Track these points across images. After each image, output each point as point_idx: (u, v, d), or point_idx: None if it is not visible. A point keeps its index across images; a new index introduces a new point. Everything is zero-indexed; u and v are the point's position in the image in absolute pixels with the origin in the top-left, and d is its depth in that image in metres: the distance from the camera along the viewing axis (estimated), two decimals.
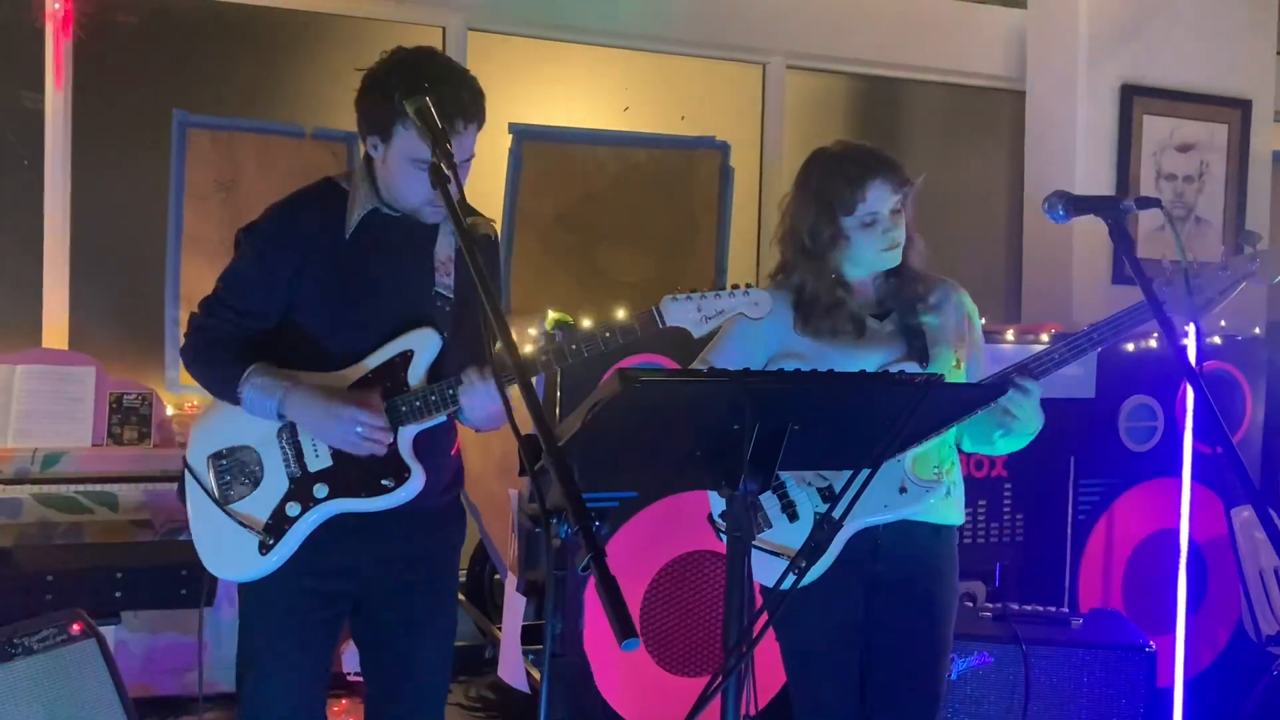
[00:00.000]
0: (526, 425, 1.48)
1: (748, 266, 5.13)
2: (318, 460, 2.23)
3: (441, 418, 2.26)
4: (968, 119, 5.45)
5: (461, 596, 4.68)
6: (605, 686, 3.43)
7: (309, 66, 4.52)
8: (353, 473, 2.22)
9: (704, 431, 1.59)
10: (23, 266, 4.10)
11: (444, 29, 4.63)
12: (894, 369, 2.35)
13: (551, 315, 3.61)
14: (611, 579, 1.25)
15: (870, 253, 2.36)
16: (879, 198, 2.33)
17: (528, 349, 2.30)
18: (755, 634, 1.56)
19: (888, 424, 1.63)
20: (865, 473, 1.64)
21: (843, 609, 2.43)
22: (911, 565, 2.42)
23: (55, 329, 4.12)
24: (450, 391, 2.22)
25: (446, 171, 1.79)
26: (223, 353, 2.25)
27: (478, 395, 2.18)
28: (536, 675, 3.75)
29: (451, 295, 2.32)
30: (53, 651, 2.43)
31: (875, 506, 2.35)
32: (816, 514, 2.38)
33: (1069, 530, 3.92)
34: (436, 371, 2.27)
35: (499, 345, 1.59)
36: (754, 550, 2.39)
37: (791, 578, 1.58)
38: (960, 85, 5.36)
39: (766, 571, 2.42)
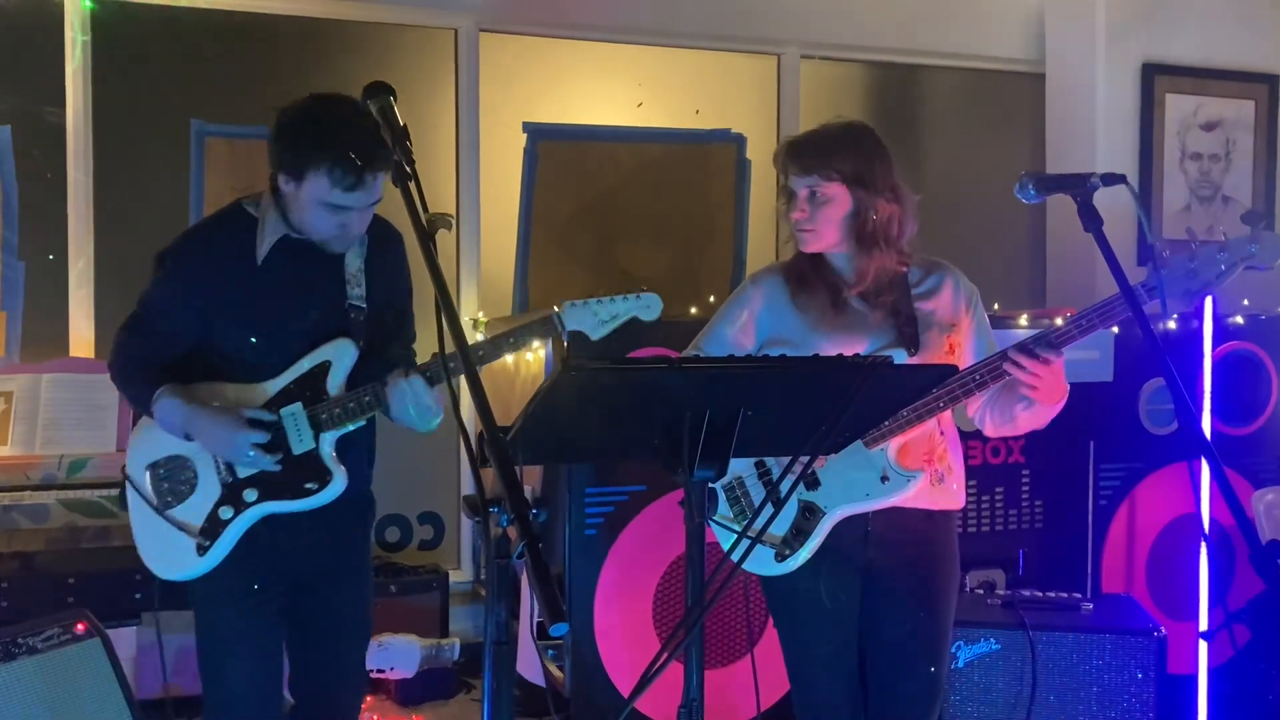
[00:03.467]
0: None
1: (767, 259, 5.10)
2: (246, 468, 2.39)
3: (361, 422, 2.42)
4: (987, 104, 5.38)
5: (482, 592, 4.73)
6: (617, 675, 3.45)
7: (323, 73, 4.57)
8: (279, 478, 2.39)
9: (658, 419, 1.60)
10: (48, 278, 4.19)
11: (456, 31, 4.66)
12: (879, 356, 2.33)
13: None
14: (544, 566, 1.26)
15: (795, 227, 2.44)
16: (792, 179, 2.42)
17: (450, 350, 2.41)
18: (708, 602, 1.56)
19: (847, 406, 1.63)
20: (829, 452, 1.64)
21: (838, 599, 2.42)
22: (904, 552, 2.41)
23: (81, 339, 4.21)
24: (366, 398, 2.38)
25: (408, 169, 1.79)
26: (140, 372, 2.41)
27: (403, 395, 2.32)
28: (553, 670, 3.77)
29: (364, 305, 2.45)
30: (56, 651, 2.49)
31: (856, 494, 2.36)
32: (800, 501, 2.38)
33: (1090, 516, 3.87)
34: (354, 379, 2.43)
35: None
36: (737, 536, 2.40)
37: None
38: (978, 70, 5.30)
39: (752, 558, 2.42)
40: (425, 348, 2.42)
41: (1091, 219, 1.93)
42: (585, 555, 3.44)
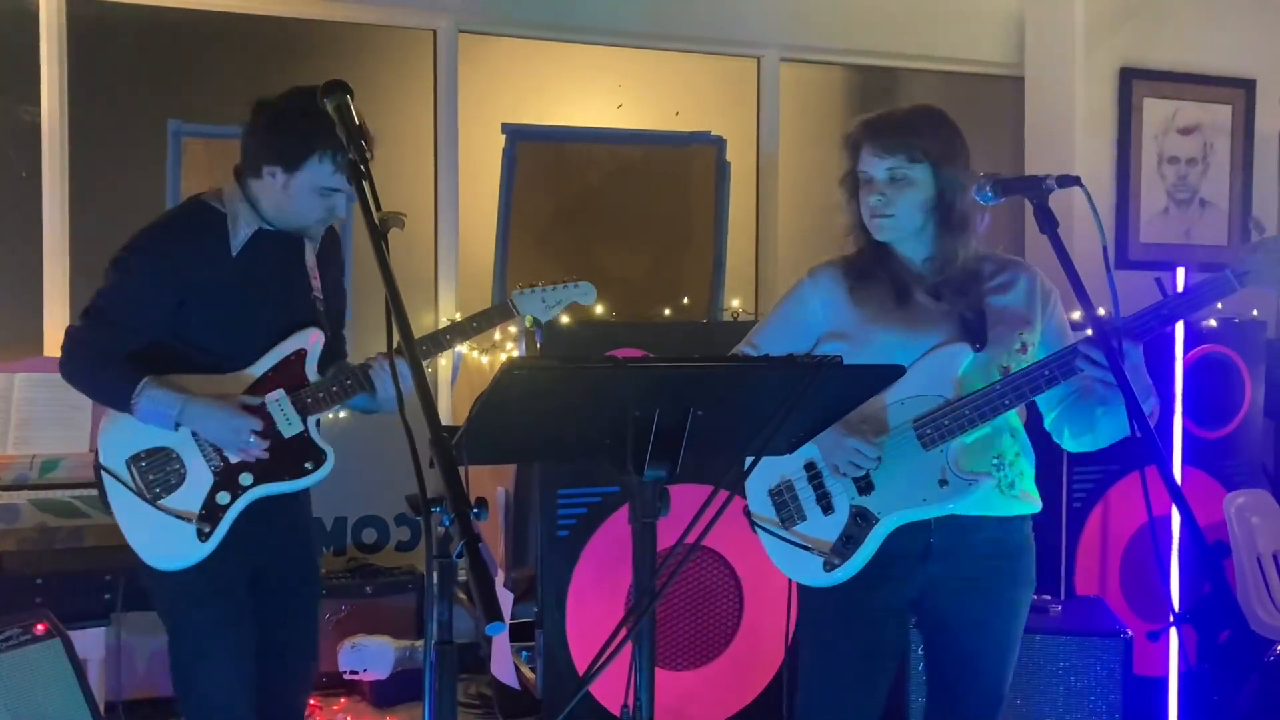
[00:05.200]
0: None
1: (746, 260, 5.12)
2: (238, 454, 2.44)
3: (341, 404, 2.52)
4: (967, 107, 5.37)
5: (462, 595, 4.71)
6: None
7: (301, 73, 4.52)
8: (273, 460, 2.45)
9: (606, 420, 1.60)
10: (23, 277, 4.18)
11: (434, 32, 4.66)
12: (941, 351, 2.21)
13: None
14: (483, 565, 1.26)
15: (865, 213, 2.28)
16: (868, 161, 2.26)
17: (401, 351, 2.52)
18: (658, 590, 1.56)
19: (799, 407, 1.63)
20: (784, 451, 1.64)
21: (881, 627, 2.28)
22: (972, 567, 2.25)
23: (55, 338, 4.19)
24: (349, 382, 2.47)
25: (363, 168, 1.80)
26: (113, 365, 2.42)
27: (388, 377, 2.43)
28: (526, 672, 3.77)
29: (322, 296, 2.57)
30: (15, 651, 2.48)
31: (913, 499, 2.20)
32: (852, 506, 2.24)
33: (1064, 519, 3.87)
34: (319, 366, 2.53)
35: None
36: (785, 544, 2.30)
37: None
38: (958, 73, 5.31)
39: (797, 567, 2.30)
40: (375, 347, 2.50)
41: (1047, 221, 1.93)
42: (558, 556, 3.44)
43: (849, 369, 1.62)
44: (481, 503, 1.33)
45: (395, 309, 1.57)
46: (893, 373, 1.69)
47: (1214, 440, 4.02)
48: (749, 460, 2.06)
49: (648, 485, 1.62)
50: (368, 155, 2.05)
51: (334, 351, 2.61)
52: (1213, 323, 4.04)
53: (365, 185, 1.76)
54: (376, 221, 1.72)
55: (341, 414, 2.77)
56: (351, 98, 1.92)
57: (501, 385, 1.43)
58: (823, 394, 1.61)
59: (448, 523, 1.35)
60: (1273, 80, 5.02)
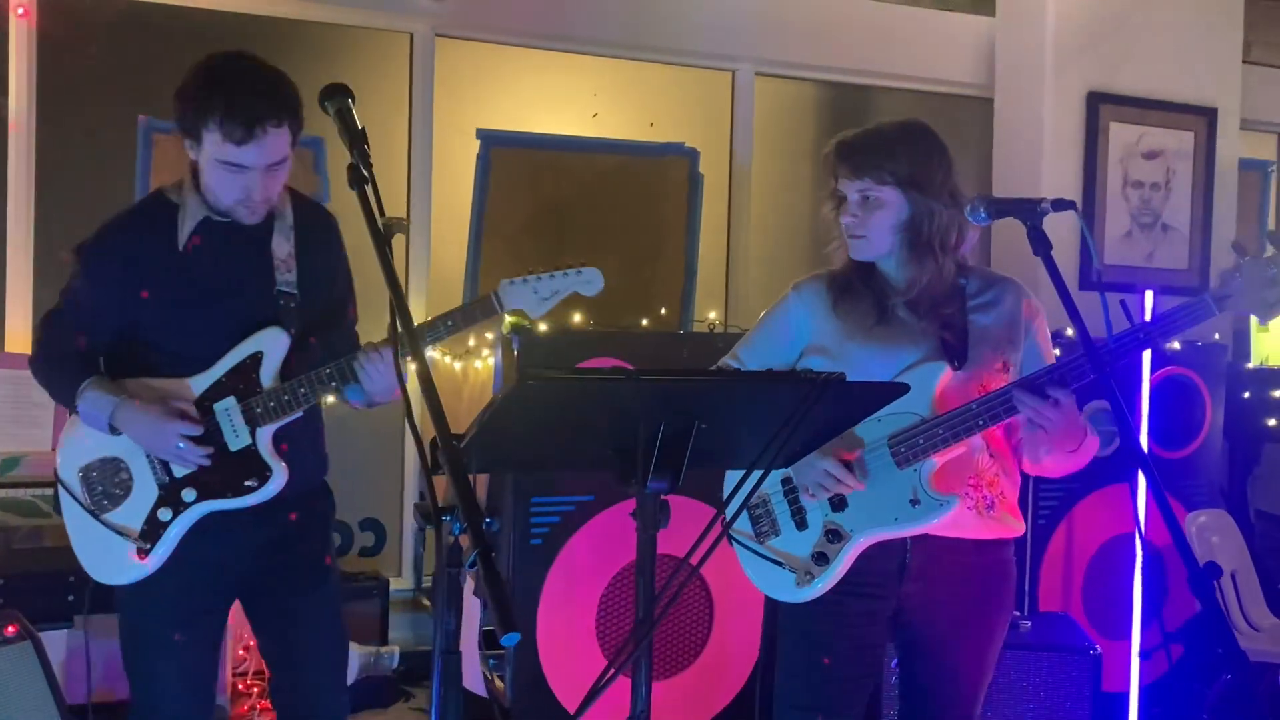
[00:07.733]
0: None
1: (718, 273, 5.14)
2: (179, 465, 2.31)
3: (298, 413, 2.33)
4: (937, 126, 5.38)
5: (425, 601, 4.68)
6: (559, 687, 3.44)
7: None
8: (217, 475, 2.31)
9: (612, 430, 1.60)
10: None
11: (411, 35, 4.64)
12: (919, 368, 2.19)
13: (508, 319, 3.63)
14: (496, 575, 1.25)
15: (843, 232, 2.29)
16: (842, 181, 2.28)
17: (379, 338, 2.34)
18: (657, 613, 1.56)
19: (797, 421, 1.64)
20: (760, 471, 1.65)
21: (859, 642, 2.28)
22: (947, 588, 2.24)
23: (19, 334, 4.12)
24: (302, 390, 2.30)
25: (364, 172, 1.78)
26: (62, 366, 2.35)
27: (376, 372, 2.27)
28: (494, 680, 3.75)
29: (295, 291, 2.36)
30: None
31: (885, 518, 2.19)
32: (825, 521, 2.24)
33: (1029, 536, 3.92)
34: (290, 369, 2.34)
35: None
36: (759, 559, 2.31)
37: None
38: (929, 92, 5.38)
39: (770, 582, 2.31)
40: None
41: (1040, 243, 1.95)
42: (529, 564, 3.42)
43: (854, 386, 1.63)
44: (495, 511, 1.32)
45: (403, 320, 1.57)
46: (896, 390, 1.71)
47: (1176, 461, 4.10)
48: (739, 474, 2.05)
49: (650, 496, 1.62)
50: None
51: (327, 349, 2.37)
52: (1175, 345, 4.12)
53: (369, 190, 1.74)
54: (380, 227, 1.70)
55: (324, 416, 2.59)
56: (353, 101, 1.91)
57: (517, 394, 1.42)
58: (824, 410, 1.62)
59: (458, 532, 1.35)
60: (1233, 110, 5.14)
